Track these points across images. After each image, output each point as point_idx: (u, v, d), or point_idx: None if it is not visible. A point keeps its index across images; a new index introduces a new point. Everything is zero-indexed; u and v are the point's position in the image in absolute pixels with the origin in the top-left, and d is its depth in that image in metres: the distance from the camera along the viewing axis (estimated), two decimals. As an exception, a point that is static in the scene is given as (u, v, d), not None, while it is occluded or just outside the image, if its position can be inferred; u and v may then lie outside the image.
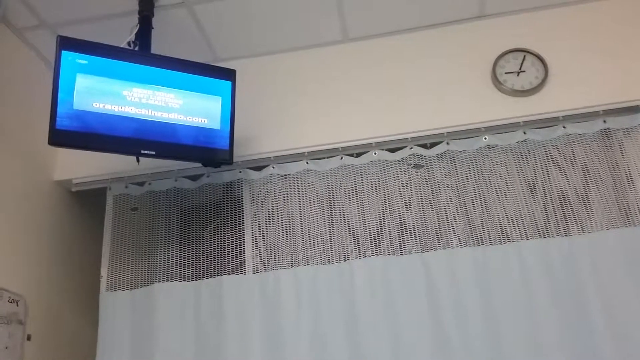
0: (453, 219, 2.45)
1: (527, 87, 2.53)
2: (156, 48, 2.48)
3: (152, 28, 2.46)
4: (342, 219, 2.53)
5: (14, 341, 2.27)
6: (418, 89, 2.64)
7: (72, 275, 2.77)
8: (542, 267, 2.26)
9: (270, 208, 2.60)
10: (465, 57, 2.67)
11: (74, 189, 2.76)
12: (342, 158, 2.62)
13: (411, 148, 2.59)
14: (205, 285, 2.47)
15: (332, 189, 2.60)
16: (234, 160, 2.45)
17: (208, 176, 2.70)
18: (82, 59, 2.16)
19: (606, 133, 2.50)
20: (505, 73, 2.57)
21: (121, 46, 2.30)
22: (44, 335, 2.50)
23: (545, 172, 2.47)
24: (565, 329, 2.16)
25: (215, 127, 2.36)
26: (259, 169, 2.67)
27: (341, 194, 2.58)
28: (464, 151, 2.57)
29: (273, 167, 2.65)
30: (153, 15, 2.47)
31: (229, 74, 2.43)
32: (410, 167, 2.58)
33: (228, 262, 2.54)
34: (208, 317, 2.41)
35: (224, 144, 2.38)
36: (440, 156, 2.58)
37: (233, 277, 2.45)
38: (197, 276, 2.54)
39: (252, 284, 2.43)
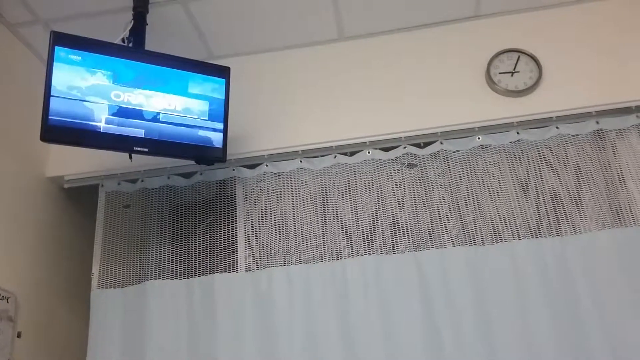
0: (446, 219, 2.45)
1: (521, 87, 2.54)
2: (150, 45, 2.47)
3: (147, 25, 2.45)
4: (335, 217, 2.53)
5: (4, 338, 2.26)
6: (412, 89, 2.65)
7: (64, 272, 2.75)
8: (534, 267, 2.26)
9: (263, 206, 2.60)
10: (459, 57, 2.67)
11: (66, 186, 2.75)
12: (335, 157, 2.62)
13: (405, 147, 2.59)
14: (198, 283, 2.46)
15: (325, 188, 2.59)
16: (227, 158, 2.44)
17: (201, 174, 2.69)
18: (75, 55, 2.15)
19: (599, 134, 2.51)
20: (500, 73, 2.58)
21: (115, 42, 2.29)
22: (34, 333, 2.48)
23: (538, 173, 2.48)
24: (558, 329, 2.17)
25: (208, 125, 2.36)
26: (252, 167, 2.67)
27: (334, 192, 2.58)
28: (458, 151, 2.57)
29: (266, 165, 2.64)
30: (147, 11, 2.47)
31: (223, 72, 2.43)
32: (403, 166, 2.58)
33: (220, 260, 2.53)
34: (200, 315, 2.40)
35: (217, 141, 2.37)
36: (433, 156, 2.58)
37: (225, 275, 2.45)
38: (189, 274, 2.53)
39: (244, 282, 2.42)
